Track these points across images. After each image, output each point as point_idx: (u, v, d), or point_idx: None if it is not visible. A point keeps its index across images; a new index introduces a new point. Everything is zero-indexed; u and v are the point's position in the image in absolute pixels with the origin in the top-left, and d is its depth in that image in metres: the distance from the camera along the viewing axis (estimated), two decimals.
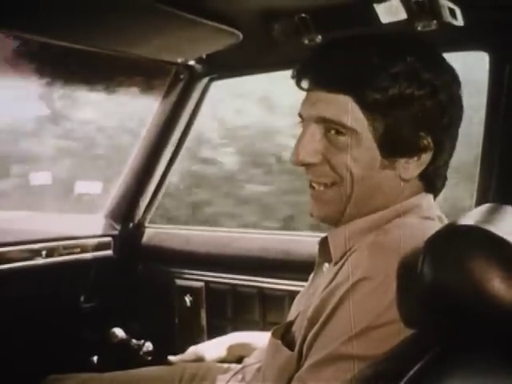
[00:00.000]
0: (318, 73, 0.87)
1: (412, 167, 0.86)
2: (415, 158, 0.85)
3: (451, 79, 0.87)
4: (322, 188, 0.88)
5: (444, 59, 0.89)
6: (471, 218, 0.64)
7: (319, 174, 0.87)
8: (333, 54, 0.87)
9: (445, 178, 0.93)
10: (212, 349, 1.30)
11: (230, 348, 1.30)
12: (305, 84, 0.89)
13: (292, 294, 1.46)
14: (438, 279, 0.56)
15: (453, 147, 0.90)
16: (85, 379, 1.29)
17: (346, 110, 0.83)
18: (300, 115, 0.90)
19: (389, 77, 0.81)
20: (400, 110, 0.83)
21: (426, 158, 0.86)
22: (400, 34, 0.97)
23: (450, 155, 0.91)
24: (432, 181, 0.90)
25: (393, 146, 0.84)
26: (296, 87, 0.91)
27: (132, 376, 1.29)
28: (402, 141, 0.84)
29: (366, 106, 0.82)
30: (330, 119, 0.84)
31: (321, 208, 0.89)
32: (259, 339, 1.25)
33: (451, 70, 0.88)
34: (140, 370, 1.32)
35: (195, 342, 1.38)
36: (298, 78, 0.90)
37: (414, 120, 0.83)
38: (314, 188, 0.89)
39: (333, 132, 0.85)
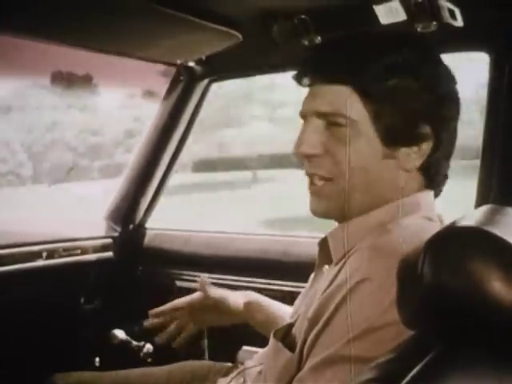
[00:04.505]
0: (317, 66, 0.89)
1: (413, 157, 0.86)
2: (416, 148, 0.86)
3: (447, 74, 0.89)
4: (321, 183, 0.88)
5: (439, 56, 0.90)
6: (471, 219, 0.64)
7: (318, 165, 0.88)
8: (331, 48, 0.90)
9: (445, 177, 0.93)
10: (229, 296, 1.23)
11: (247, 304, 1.22)
12: (306, 81, 0.90)
13: (291, 295, 1.45)
14: (439, 280, 0.56)
15: (452, 143, 0.91)
16: (86, 378, 1.29)
17: (345, 100, 0.84)
18: (302, 114, 0.91)
19: (386, 67, 0.83)
20: (398, 99, 0.84)
21: (427, 148, 0.86)
22: (396, 31, 0.98)
23: (450, 152, 0.91)
24: (433, 175, 0.90)
25: (393, 135, 0.85)
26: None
27: (132, 376, 1.29)
28: (402, 129, 0.85)
29: (364, 96, 0.84)
30: (329, 112, 0.86)
31: (321, 203, 0.89)
32: (276, 307, 1.21)
33: (446, 66, 0.90)
34: (140, 370, 1.32)
35: (195, 344, 1.37)
36: (299, 76, 0.91)
37: (412, 110, 0.85)
38: (312, 184, 0.90)
39: (333, 125, 0.86)
